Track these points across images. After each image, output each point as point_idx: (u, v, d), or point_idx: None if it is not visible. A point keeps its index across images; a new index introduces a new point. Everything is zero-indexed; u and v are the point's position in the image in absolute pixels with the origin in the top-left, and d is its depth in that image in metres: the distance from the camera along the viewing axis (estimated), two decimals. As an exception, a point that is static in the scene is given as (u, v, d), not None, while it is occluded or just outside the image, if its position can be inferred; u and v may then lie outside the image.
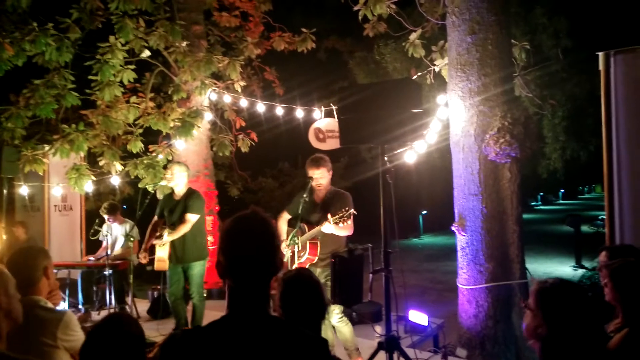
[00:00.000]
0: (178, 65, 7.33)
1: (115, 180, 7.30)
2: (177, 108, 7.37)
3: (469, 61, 4.84)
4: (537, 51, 9.69)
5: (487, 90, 4.80)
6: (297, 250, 4.40)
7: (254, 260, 1.53)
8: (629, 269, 2.50)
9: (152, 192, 5.96)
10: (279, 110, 7.53)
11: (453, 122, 5.06)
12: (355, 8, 5.72)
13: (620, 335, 2.35)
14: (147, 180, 6.88)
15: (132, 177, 7.19)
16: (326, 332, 4.29)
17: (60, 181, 7.56)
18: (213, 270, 7.12)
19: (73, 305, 6.87)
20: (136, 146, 7.07)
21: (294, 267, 4.22)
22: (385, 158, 3.67)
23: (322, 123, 7.13)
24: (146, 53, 6.90)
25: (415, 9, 5.96)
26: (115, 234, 7.00)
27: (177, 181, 5.41)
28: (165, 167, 6.20)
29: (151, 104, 7.36)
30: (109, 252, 6.55)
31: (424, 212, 20.61)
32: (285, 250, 4.32)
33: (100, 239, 7.07)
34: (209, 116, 7.80)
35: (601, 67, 4.47)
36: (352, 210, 4.15)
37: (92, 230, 6.99)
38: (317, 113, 7.20)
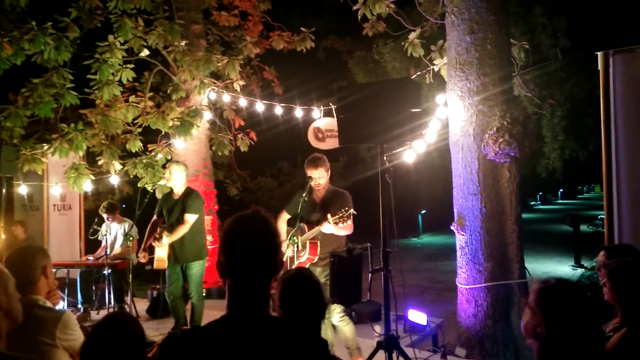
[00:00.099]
0: (177, 64, 7.32)
1: (114, 180, 7.30)
2: (176, 107, 7.37)
3: (468, 61, 4.85)
4: (536, 51, 9.69)
5: (486, 90, 4.80)
6: (296, 249, 4.40)
7: (254, 260, 1.53)
8: (628, 268, 2.50)
9: (151, 191, 5.95)
10: (278, 110, 7.53)
11: (452, 122, 5.06)
12: (355, 7, 5.72)
13: (618, 335, 2.36)
14: (146, 180, 6.89)
15: (131, 176, 7.19)
16: (326, 332, 4.29)
17: (59, 180, 7.56)
18: (212, 269, 7.13)
19: (72, 304, 6.87)
20: (135, 145, 7.06)
21: (294, 267, 4.23)
22: (385, 157, 3.67)
23: (321, 122, 7.12)
24: (145, 52, 6.90)
25: (415, 9, 5.96)
26: (114, 233, 7.00)
27: (176, 181, 5.40)
28: (164, 167, 6.19)
29: (150, 103, 7.35)
30: (108, 251, 6.54)
31: (423, 211, 20.62)
32: (287, 250, 4.33)
33: (99, 238, 7.06)
34: (208, 115, 7.79)
35: (600, 66, 4.47)
36: (351, 210, 4.15)
37: (91, 230, 6.99)
38: (316, 112, 7.20)
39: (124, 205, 10.70)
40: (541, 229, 21.24)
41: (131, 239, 6.35)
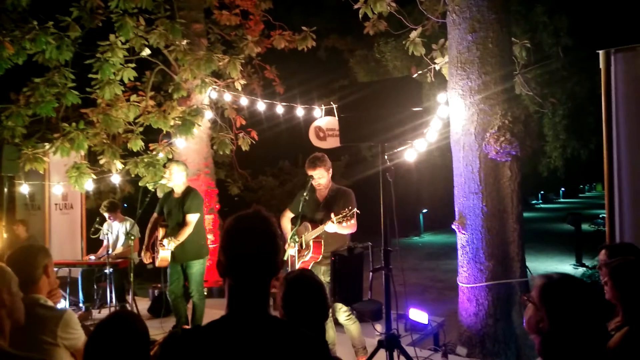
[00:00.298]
0: (178, 63, 7.33)
1: (116, 179, 7.31)
2: (178, 106, 7.37)
3: (469, 59, 4.84)
4: (537, 49, 9.67)
5: (487, 89, 4.79)
6: (296, 249, 4.41)
7: (254, 260, 1.52)
8: (629, 267, 2.50)
9: (153, 190, 5.96)
10: (279, 109, 7.53)
11: (453, 121, 5.06)
12: (356, 6, 5.72)
13: (620, 334, 2.35)
14: (147, 179, 6.89)
15: (133, 175, 7.20)
16: (328, 332, 4.30)
17: (61, 180, 7.57)
18: (213, 268, 7.13)
19: (73, 303, 6.88)
20: (136, 145, 7.07)
21: (298, 266, 4.25)
22: (386, 156, 3.67)
23: (323, 121, 7.13)
24: (146, 51, 6.90)
25: (416, 7, 5.95)
26: (115, 232, 7.01)
27: (176, 180, 5.41)
28: (165, 166, 6.20)
29: (151, 102, 7.36)
30: (109, 250, 6.55)
31: (425, 210, 20.62)
32: (288, 249, 4.34)
33: (100, 237, 7.07)
34: (209, 115, 7.80)
35: (602, 65, 4.46)
36: (355, 210, 4.15)
37: (92, 229, 7.00)
38: (318, 111, 7.20)
39: (125, 205, 10.72)
40: (542, 227, 21.24)
41: (133, 238, 6.36)
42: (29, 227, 7.31)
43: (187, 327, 5.28)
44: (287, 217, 4.68)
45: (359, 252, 3.55)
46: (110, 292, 6.37)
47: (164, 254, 5.22)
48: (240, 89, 7.68)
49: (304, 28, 7.79)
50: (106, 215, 6.98)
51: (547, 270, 11.15)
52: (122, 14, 6.45)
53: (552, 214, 29.52)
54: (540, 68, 9.97)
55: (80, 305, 6.87)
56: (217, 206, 8.42)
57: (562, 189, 50.81)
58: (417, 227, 19.96)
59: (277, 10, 8.62)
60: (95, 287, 6.96)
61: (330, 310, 4.51)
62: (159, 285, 7.17)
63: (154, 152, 7.22)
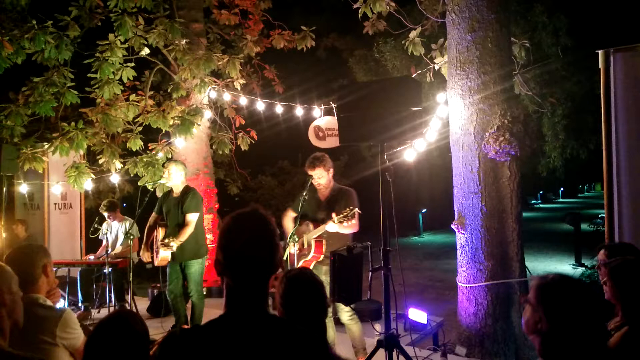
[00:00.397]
0: (177, 63, 7.33)
1: (115, 179, 7.31)
2: (177, 106, 7.37)
3: (468, 59, 4.84)
4: (536, 49, 9.69)
5: (486, 89, 4.79)
6: (295, 248, 4.42)
7: (252, 258, 1.52)
8: (629, 267, 2.50)
9: (152, 190, 5.96)
10: (279, 109, 7.53)
11: (453, 121, 5.06)
12: (355, 6, 5.72)
13: (619, 334, 2.35)
14: (146, 178, 6.90)
15: (132, 175, 7.20)
16: (327, 331, 4.30)
17: (60, 179, 7.57)
18: (213, 268, 7.12)
19: (72, 303, 6.87)
20: (136, 144, 7.07)
21: (299, 265, 4.25)
22: (385, 156, 3.67)
23: (322, 121, 7.13)
24: (145, 51, 6.90)
25: (415, 7, 5.96)
26: (115, 232, 7.01)
27: (175, 180, 5.41)
28: (163, 166, 6.21)
29: (151, 102, 7.35)
30: (109, 250, 6.55)
31: (424, 210, 20.62)
32: (292, 248, 4.35)
33: (100, 237, 7.07)
34: (208, 114, 7.79)
35: (601, 65, 4.46)
36: (356, 210, 4.14)
37: (92, 229, 6.99)
38: (317, 111, 7.20)
39: (124, 204, 10.72)
40: (542, 227, 21.24)
41: (132, 237, 6.36)
42: (28, 227, 7.31)
43: (186, 326, 5.28)
44: (289, 216, 4.68)
45: (358, 252, 3.55)
46: (110, 292, 6.37)
47: (164, 254, 5.21)
48: (239, 88, 7.68)
49: (303, 28, 7.79)
50: (105, 214, 6.97)
51: (547, 269, 11.17)
52: (121, 13, 6.45)
53: (551, 214, 29.53)
54: (540, 68, 9.99)
55: (79, 304, 6.86)
56: (216, 206, 8.42)
57: (561, 188, 50.85)
58: (416, 226, 19.96)
59: (276, 9, 8.62)
60: (94, 286, 6.96)
61: (331, 310, 4.52)
62: (158, 285, 7.17)
63: (153, 152, 7.23)
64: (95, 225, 6.98)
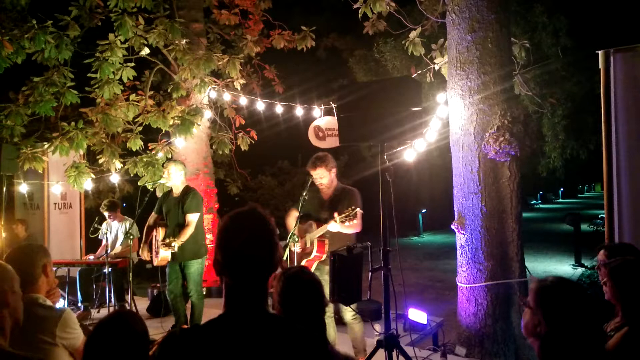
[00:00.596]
0: (177, 63, 7.32)
1: (115, 178, 7.31)
2: (177, 106, 7.37)
3: (468, 59, 4.84)
4: (536, 49, 9.69)
5: (486, 89, 4.79)
6: (296, 247, 4.43)
7: (251, 257, 1.51)
8: (629, 267, 2.50)
9: (152, 190, 5.96)
10: (279, 109, 7.53)
11: (453, 121, 5.06)
12: (355, 6, 5.72)
13: (619, 334, 2.35)
14: (146, 178, 6.90)
15: (132, 175, 7.20)
16: (328, 331, 4.30)
17: (60, 179, 7.57)
18: (212, 268, 7.13)
19: (72, 303, 6.87)
20: (136, 144, 7.07)
21: (301, 264, 4.26)
22: (385, 156, 3.67)
23: (322, 121, 7.12)
24: (145, 51, 6.89)
25: (415, 7, 5.96)
26: (114, 232, 7.01)
27: (174, 180, 5.41)
28: (163, 166, 6.21)
29: (151, 101, 7.35)
30: (108, 250, 6.55)
31: (424, 210, 20.62)
32: (294, 247, 4.36)
33: (99, 237, 7.07)
34: (208, 114, 7.79)
35: (601, 65, 4.46)
36: (357, 210, 4.14)
37: (91, 229, 6.99)
38: (317, 111, 7.20)
39: (124, 204, 10.71)
40: (541, 228, 21.24)
41: (132, 237, 6.36)
42: (28, 227, 7.31)
43: (186, 326, 5.28)
44: (293, 215, 4.68)
45: (358, 252, 3.55)
46: (110, 292, 6.37)
47: (164, 254, 5.22)
48: (239, 88, 7.68)
49: (303, 28, 7.79)
50: (106, 214, 6.97)
51: (546, 270, 11.18)
52: (121, 13, 6.45)
53: (551, 214, 29.53)
54: (540, 68, 9.98)
55: (79, 304, 6.86)
56: (216, 206, 8.42)
57: (561, 189, 50.86)
58: (416, 227, 19.95)
59: (276, 9, 8.62)
60: (94, 286, 6.96)
61: (333, 310, 4.53)
62: (158, 285, 7.17)
63: (153, 152, 7.23)
64: (95, 225, 6.97)
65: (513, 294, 4.79)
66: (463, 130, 4.92)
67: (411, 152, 5.55)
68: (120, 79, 6.66)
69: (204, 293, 5.90)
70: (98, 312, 6.73)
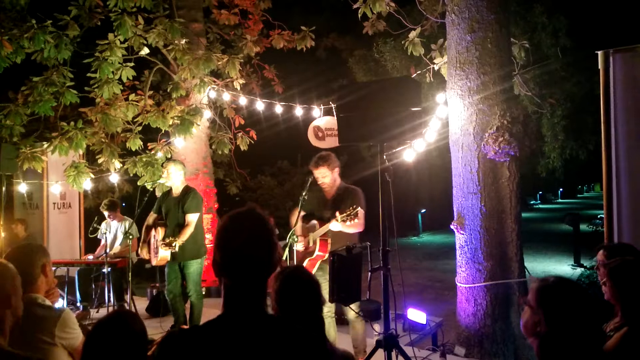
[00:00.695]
0: (177, 63, 7.32)
1: (114, 178, 7.30)
2: (176, 106, 7.37)
3: (468, 60, 4.84)
4: (536, 50, 9.69)
5: (486, 89, 4.79)
6: (298, 247, 4.44)
7: (251, 257, 1.51)
8: (628, 267, 2.50)
9: (151, 189, 5.95)
10: (278, 109, 7.53)
11: (452, 121, 5.06)
12: (355, 6, 5.72)
13: (619, 335, 2.35)
14: (146, 178, 6.89)
15: (131, 174, 7.19)
16: (329, 331, 4.30)
17: (59, 179, 7.56)
18: (211, 268, 7.12)
19: (71, 303, 6.87)
20: (135, 144, 7.07)
21: (305, 264, 4.27)
22: (385, 156, 3.67)
23: (321, 121, 7.12)
24: (145, 51, 6.89)
25: (415, 7, 5.96)
26: (114, 231, 7.00)
27: (174, 180, 5.41)
28: (162, 165, 6.21)
29: (150, 101, 7.35)
30: (107, 249, 6.55)
31: (423, 210, 20.63)
32: (297, 246, 4.37)
33: (99, 236, 7.06)
34: (208, 114, 7.79)
35: (600, 66, 4.46)
36: (358, 209, 4.14)
37: (91, 228, 6.99)
38: (316, 111, 7.20)
39: (123, 204, 10.71)
40: (541, 228, 21.24)
41: (131, 237, 6.35)
42: (28, 227, 7.30)
43: (185, 326, 5.28)
44: (297, 214, 4.69)
45: (357, 252, 3.55)
46: (109, 292, 6.36)
47: (164, 254, 5.22)
48: (239, 88, 7.67)
49: (303, 28, 7.79)
50: (106, 213, 6.97)
51: (546, 270, 11.18)
52: (121, 12, 6.44)
53: (551, 214, 29.54)
54: (539, 68, 9.99)
55: (78, 304, 6.86)
56: (215, 206, 8.42)
57: (561, 189, 50.86)
58: (415, 227, 19.96)
59: (276, 9, 8.62)
60: (93, 286, 6.96)
61: (335, 310, 4.54)
62: (157, 285, 7.17)
63: (153, 152, 7.22)
64: (94, 225, 6.97)
65: (512, 294, 4.79)
66: (462, 131, 4.92)
67: (410, 152, 5.55)
68: (120, 79, 6.66)
69: (203, 293, 5.89)
70: (97, 312, 6.72)
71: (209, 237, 7.45)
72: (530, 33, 10.17)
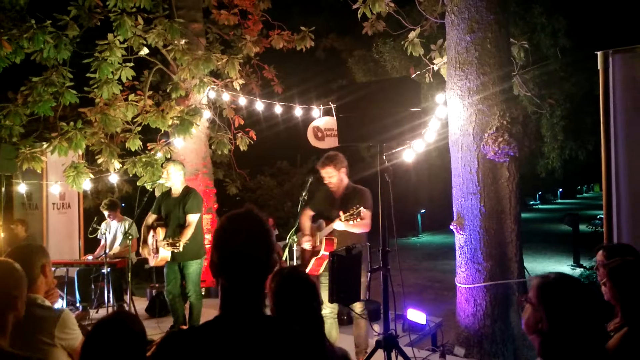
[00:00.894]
0: (177, 63, 7.31)
1: (114, 178, 7.30)
2: (176, 106, 7.36)
3: (467, 60, 4.84)
4: (535, 50, 9.69)
5: (485, 89, 4.80)
6: (295, 247, 4.44)
7: (249, 258, 1.51)
8: (628, 268, 2.50)
9: (151, 190, 5.95)
10: (278, 109, 7.52)
11: (452, 121, 5.06)
12: (355, 6, 5.72)
13: (619, 335, 2.35)
14: (145, 178, 6.89)
15: (131, 175, 7.19)
16: (330, 332, 4.30)
17: (59, 179, 7.55)
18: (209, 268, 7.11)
19: (71, 303, 6.86)
20: (135, 144, 7.06)
21: (312, 263, 4.28)
22: (384, 157, 3.67)
23: (321, 121, 7.12)
24: (145, 51, 6.89)
25: (415, 8, 5.96)
26: (113, 232, 7.00)
27: (174, 180, 5.41)
28: (162, 166, 6.20)
29: (150, 102, 7.34)
30: (107, 250, 6.54)
31: (423, 210, 20.63)
32: (305, 245, 4.38)
33: (98, 237, 7.06)
34: (207, 114, 7.78)
35: (600, 66, 4.46)
36: (361, 209, 4.15)
37: (90, 229, 6.99)
38: (316, 111, 7.19)
39: (123, 204, 10.71)
40: (540, 228, 21.25)
41: (131, 237, 6.35)
42: (28, 227, 7.30)
43: (184, 327, 5.28)
44: (307, 214, 4.70)
45: (357, 252, 3.55)
46: (108, 292, 6.36)
47: (164, 254, 5.21)
48: (238, 88, 7.67)
49: (302, 28, 7.79)
50: (106, 213, 6.97)
51: (545, 270, 11.15)
52: (121, 13, 6.44)
53: (550, 215, 29.54)
54: (539, 69, 9.99)
55: (78, 305, 6.85)
56: (215, 206, 8.41)
57: (560, 189, 50.84)
58: (415, 227, 19.96)
59: (275, 10, 8.62)
60: (92, 286, 6.95)
61: (336, 311, 4.54)
62: (157, 285, 7.16)
63: (152, 152, 7.22)
64: (94, 225, 6.97)
65: (512, 295, 4.79)
66: (462, 131, 4.92)
67: (410, 153, 5.55)
68: (119, 79, 6.65)
69: (203, 293, 5.89)
70: (97, 312, 6.71)
71: (208, 237, 7.45)
72: (529, 33, 10.17)
